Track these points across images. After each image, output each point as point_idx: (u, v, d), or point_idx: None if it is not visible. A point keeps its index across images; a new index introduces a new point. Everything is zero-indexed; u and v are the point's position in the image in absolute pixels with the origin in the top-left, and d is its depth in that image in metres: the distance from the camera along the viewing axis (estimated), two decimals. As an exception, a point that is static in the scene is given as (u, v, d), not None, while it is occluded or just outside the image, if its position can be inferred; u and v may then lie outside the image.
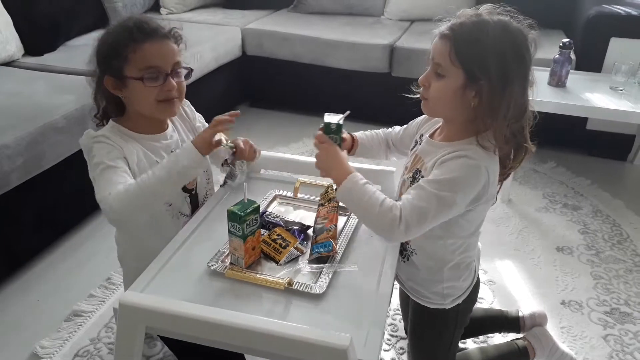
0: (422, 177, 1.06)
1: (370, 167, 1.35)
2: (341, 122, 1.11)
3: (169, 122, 1.30)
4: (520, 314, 1.44)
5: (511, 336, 1.44)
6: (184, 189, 1.28)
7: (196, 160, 1.14)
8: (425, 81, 1.04)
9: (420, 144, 1.16)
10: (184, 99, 1.35)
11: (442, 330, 1.23)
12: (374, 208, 0.99)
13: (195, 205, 1.32)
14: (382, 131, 1.33)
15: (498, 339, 1.51)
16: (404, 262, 1.19)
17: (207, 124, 1.40)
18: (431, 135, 1.14)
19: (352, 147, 1.27)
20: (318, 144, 1.10)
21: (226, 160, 1.24)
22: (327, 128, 1.12)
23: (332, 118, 1.12)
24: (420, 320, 1.25)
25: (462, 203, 1.00)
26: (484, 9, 1.00)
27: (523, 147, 1.04)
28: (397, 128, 1.32)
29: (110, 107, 1.24)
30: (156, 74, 1.15)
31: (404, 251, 1.18)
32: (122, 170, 1.13)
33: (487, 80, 0.96)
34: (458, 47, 0.97)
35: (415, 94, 1.11)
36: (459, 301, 1.19)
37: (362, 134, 1.31)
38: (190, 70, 1.24)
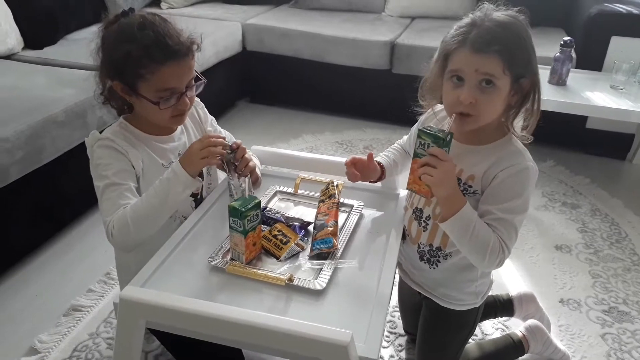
0: (471, 186, 1.06)
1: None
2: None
3: None
4: (511, 295, 1.49)
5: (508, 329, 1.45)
6: (190, 194, 1.24)
7: (187, 184, 1.12)
8: (472, 98, 0.97)
9: None
10: (198, 101, 1.34)
11: (463, 329, 1.24)
12: (484, 250, 0.99)
13: None
14: (398, 144, 1.33)
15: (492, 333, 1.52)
16: (433, 268, 1.17)
17: (219, 127, 1.40)
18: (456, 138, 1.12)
19: (381, 176, 1.23)
20: (436, 161, 0.94)
21: (223, 161, 1.17)
22: (442, 141, 0.95)
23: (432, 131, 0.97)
24: (444, 323, 1.24)
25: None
26: (493, 10, 0.98)
27: (535, 113, 1.05)
28: (405, 137, 1.32)
29: (117, 103, 1.21)
30: (171, 95, 1.12)
31: (432, 258, 1.16)
32: (126, 189, 1.12)
33: (531, 76, 0.99)
34: (510, 56, 0.95)
35: (421, 109, 1.11)
36: (486, 297, 1.21)
37: (384, 157, 1.27)
38: (204, 82, 1.19)
